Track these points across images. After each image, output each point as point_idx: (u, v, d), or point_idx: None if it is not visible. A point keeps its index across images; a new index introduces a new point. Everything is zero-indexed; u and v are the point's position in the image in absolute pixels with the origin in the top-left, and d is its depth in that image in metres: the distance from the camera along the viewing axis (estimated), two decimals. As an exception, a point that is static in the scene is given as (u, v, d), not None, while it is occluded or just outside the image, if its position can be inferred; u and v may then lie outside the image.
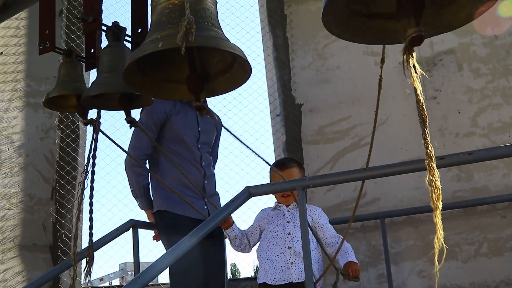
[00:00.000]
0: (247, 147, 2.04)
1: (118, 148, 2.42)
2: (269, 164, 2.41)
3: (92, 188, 2.21)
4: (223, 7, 5.67)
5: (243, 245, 3.19)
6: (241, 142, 2.03)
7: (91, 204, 2.17)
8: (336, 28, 1.50)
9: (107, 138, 2.36)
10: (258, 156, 2.16)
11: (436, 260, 1.27)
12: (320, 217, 3.17)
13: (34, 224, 4.95)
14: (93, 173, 2.23)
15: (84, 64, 2.50)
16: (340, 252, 2.88)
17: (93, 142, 2.28)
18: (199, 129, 3.50)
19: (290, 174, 3.10)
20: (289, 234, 3.09)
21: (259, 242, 3.24)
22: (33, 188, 5.02)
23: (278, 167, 3.19)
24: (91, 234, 2.16)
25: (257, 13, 5.46)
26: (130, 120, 2.32)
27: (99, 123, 2.34)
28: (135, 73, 1.73)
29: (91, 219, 2.19)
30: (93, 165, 2.25)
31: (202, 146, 3.49)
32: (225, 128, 1.90)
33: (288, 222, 3.13)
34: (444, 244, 1.24)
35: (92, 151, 2.26)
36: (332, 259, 2.70)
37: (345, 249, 2.97)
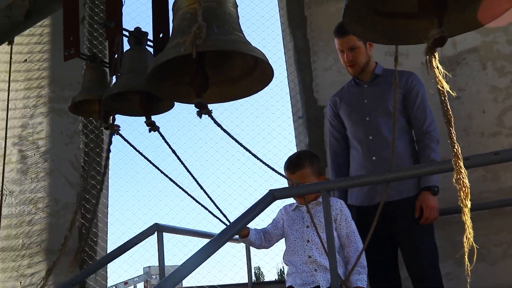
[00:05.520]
0: (252, 154, 2.01)
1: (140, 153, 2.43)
2: (277, 172, 2.36)
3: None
4: (243, 10, 5.66)
5: (262, 246, 3.17)
6: (247, 150, 2.00)
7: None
8: (357, 29, 1.49)
9: (129, 144, 2.37)
10: (265, 164, 2.14)
11: (467, 260, 1.24)
12: (341, 212, 3.06)
13: (60, 229, 5.01)
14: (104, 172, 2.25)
15: (108, 69, 2.53)
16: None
17: (108, 146, 2.30)
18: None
19: (302, 176, 3.02)
20: (308, 241, 3.01)
21: (284, 242, 3.20)
22: (59, 193, 5.09)
23: (288, 169, 3.11)
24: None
25: (277, 15, 5.44)
26: (150, 123, 2.34)
27: (118, 127, 2.37)
28: (157, 77, 1.75)
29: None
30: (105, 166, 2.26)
31: None
32: (230, 135, 1.87)
33: (307, 227, 3.05)
34: (474, 244, 1.21)
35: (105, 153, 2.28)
36: (344, 281, 2.65)
37: (358, 268, 2.87)
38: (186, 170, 2.44)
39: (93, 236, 5.05)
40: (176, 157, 2.36)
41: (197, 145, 5.76)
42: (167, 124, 5.55)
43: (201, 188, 2.57)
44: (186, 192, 2.72)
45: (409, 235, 3.23)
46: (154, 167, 2.44)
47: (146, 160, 2.47)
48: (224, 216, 3.07)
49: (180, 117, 5.68)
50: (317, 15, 5.26)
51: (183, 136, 5.80)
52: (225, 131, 1.72)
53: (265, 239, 3.12)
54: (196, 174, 2.52)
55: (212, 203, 2.87)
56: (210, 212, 2.91)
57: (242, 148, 1.86)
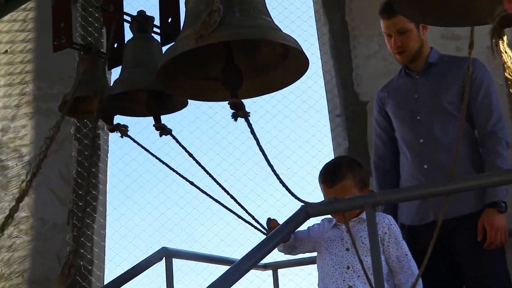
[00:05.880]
0: (274, 171, 2.03)
1: (155, 158, 2.48)
2: (297, 198, 2.38)
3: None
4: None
5: (286, 251, 3.20)
6: (270, 165, 2.02)
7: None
8: (408, 8, 1.53)
9: (142, 148, 2.41)
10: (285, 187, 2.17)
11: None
12: (390, 231, 3.05)
13: (47, 255, 5.03)
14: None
15: (106, 61, 2.56)
16: None
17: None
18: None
19: (342, 190, 3.00)
20: (348, 268, 3.01)
21: (317, 267, 3.21)
22: (46, 212, 5.11)
23: (325, 182, 3.09)
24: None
25: (310, -7, 5.47)
26: (159, 127, 2.37)
27: (127, 128, 2.41)
28: (170, 72, 1.80)
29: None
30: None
31: None
32: (259, 146, 1.89)
33: (347, 250, 3.04)
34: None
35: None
36: None
37: None
38: (209, 176, 2.47)
39: (87, 264, 5.08)
40: (195, 162, 2.39)
41: (214, 149, 5.74)
42: (177, 125, 5.56)
43: (228, 193, 2.59)
44: (216, 200, 2.74)
45: (473, 262, 3.19)
46: (173, 171, 2.47)
47: (163, 164, 2.52)
48: (260, 224, 3.09)
49: (192, 116, 5.67)
50: (358, -9, 5.25)
51: (196, 140, 5.79)
52: (256, 139, 1.78)
53: (294, 245, 3.13)
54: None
55: (243, 211, 2.89)
56: (244, 220, 2.93)
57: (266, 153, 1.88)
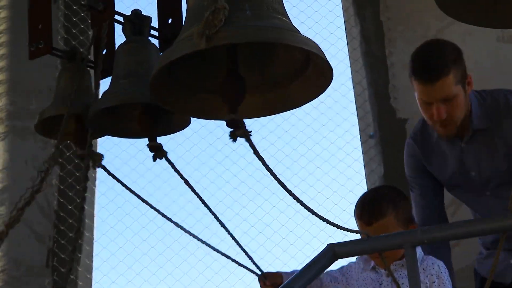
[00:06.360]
0: (303, 204, 2.03)
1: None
2: (339, 227, 2.37)
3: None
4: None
5: None
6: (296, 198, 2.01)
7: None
8: (455, 7, 1.53)
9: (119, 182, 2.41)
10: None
11: None
12: (440, 279, 3.04)
13: (22, 304, 5.03)
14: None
15: (93, 70, 2.58)
16: None
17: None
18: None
19: (383, 228, 2.99)
20: None
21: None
22: (21, 252, 5.08)
23: (362, 219, 3.09)
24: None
25: (337, -12, 5.49)
26: (153, 146, 2.36)
27: (101, 157, 2.40)
28: (167, 82, 1.79)
29: None
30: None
31: None
32: (272, 173, 1.87)
33: None
34: None
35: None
36: None
37: None
38: (209, 211, 2.47)
39: (69, 315, 5.07)
40: (194, 194, 2.39)
41: (220, 179, 5.68)
42: (179, 148, 5.52)
43: (229, 233, 2.58)
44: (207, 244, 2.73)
45: None
46: (163, 217, 2.47)
47: (146, 204, 2.51)
48: (257, 266, 3.07)
49: (195, 137, 5.63)
50: (395, -15, 5.26)
51: (200, 166, 5.72)
52: (266, 166, 1.74)
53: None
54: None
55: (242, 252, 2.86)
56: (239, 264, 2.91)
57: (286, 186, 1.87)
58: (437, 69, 2.98)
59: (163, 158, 2.38)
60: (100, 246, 5.40)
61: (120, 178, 2.49)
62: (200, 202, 2.49)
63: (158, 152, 2.36)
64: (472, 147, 3.23)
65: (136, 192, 2.53)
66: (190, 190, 2.43)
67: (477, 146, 3.23)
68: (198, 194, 2.45)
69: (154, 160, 2.38)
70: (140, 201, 2.50)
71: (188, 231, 2.59)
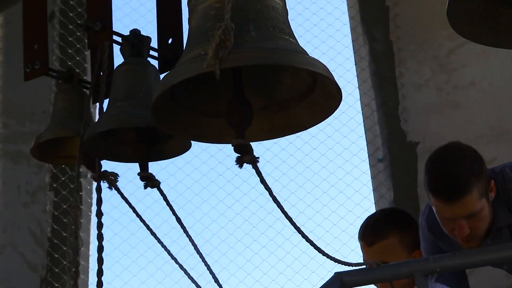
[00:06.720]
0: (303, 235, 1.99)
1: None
2: (335, 260, 2.32)
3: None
4: (291, 0, 5.62)
5: None
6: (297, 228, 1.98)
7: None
8: (468, 26, 1.53)
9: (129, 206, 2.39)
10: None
11: None
12: None
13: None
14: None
15: (90, 92, 2.56)
16: None
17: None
18: None
19: (384, 249, 2.96)
20: None
21: None
22: (13, 280, 5.04)
23: (364, 239, 3.05)
24: None
25: (345, 6, 5.48)
26: (145, 176, 2.34)
27: (117, 177, 2.38)
28: (169, 105, 1.77)
29: None
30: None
31: None
32: (278, 205, 1.84)
33: None
34: None
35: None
36: None
37: None
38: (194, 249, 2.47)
39: None
40: (183, 232, 2.38)
41: (222, 204, 5.64)
42: (171, 179, 5.42)
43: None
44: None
45: None
46: (159, 242, 2.45)
47: (153, 236, 2.49)
48: None
49: (196, 161, 5.59)
50: (405, 3, 5.25)
51: (202, 191, 5.65)
52: (273, 197, 1.72)
53: None
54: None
55: None
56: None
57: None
58: (459, 187, 2.70)
59: (155, 188, 2.38)
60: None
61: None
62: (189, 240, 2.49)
63: (149, 182, 2.36)
64: (500, 242, 2.98)
65: (143, 218, 2.53)
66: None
67: (505, 241, 2.99)
68: (186, 229, 2.45)
69: (145, 188, 2.37)
70: (138, 225, 2.53)
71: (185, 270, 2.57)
